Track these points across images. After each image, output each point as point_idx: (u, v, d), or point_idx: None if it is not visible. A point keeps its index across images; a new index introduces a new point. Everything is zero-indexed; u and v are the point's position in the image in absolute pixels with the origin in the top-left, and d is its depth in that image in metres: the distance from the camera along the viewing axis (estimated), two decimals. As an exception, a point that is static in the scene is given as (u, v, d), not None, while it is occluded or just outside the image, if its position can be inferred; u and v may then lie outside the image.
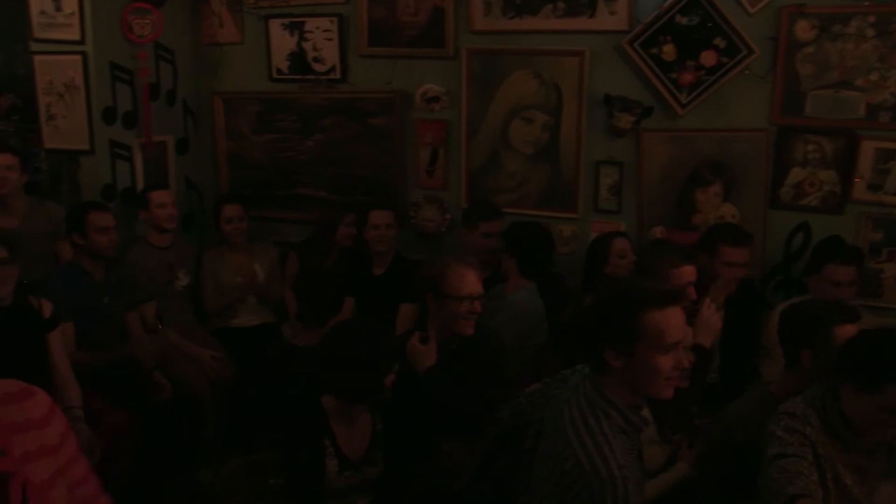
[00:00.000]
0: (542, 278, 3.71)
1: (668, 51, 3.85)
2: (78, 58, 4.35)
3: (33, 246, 3.91)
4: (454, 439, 2.86)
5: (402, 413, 2.69)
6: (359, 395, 2.57)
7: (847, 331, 2.40)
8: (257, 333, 4.47)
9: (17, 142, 5.33)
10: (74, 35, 4.32)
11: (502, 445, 2.52)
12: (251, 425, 4.06)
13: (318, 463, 2.54)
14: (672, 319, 1.96)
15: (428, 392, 2.81)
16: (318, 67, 4.67)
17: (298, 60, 4.72)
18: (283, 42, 4.72)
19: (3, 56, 5.81)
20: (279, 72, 4.79)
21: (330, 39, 4.59)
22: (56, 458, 1.41)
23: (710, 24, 3.77)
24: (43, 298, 3.41)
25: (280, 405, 3.65)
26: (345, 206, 4.59)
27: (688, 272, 3.14)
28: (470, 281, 2.91)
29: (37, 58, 4.50)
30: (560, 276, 4.04)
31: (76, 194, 4.54)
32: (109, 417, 3.45)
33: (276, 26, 4.72)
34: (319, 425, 2.58)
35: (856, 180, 3.77)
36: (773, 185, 3.92)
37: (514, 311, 3.50)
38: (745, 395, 2.77)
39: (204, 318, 4.51)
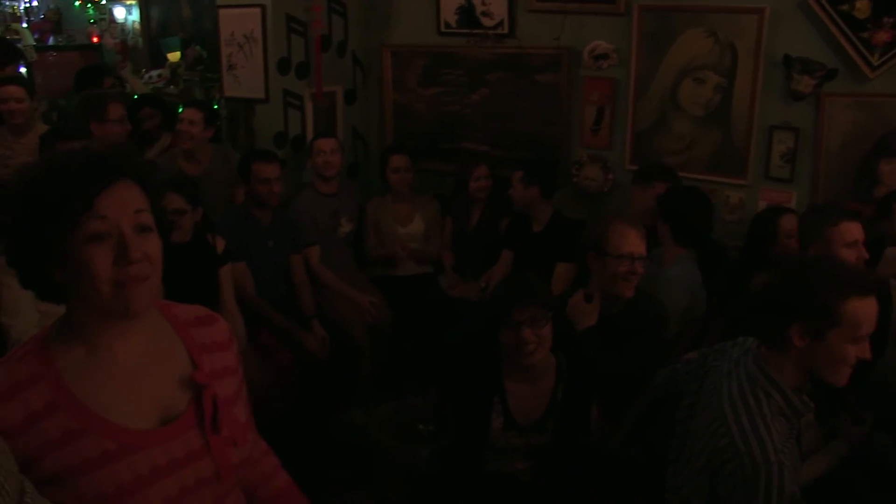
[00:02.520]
0: (698, 246, 3.58)
1: (862, 7, 3.56)
2: (257, 10, 4.53)
3: (214, 191, 4.13)
4: (606, 403, 2.84)
5: (577, 375, 2.62)
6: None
7: None
8: (415, 283, 4.58)
9: (200, 90, 5.66)
10: (255, -12, 4.51)
11: (656, 411, 2.49)
12: (405, 371, 4.19)
13: (483, 416, 2.52)
14: (871, 310, 1.88)
15: (584, 352, 2.80)
16: (486, 21, 4.65)
17: (467, 14, 4.71)
18: (452, -5, 4.73)
19: (193, 11, 6.16)
20: (447, 25, 4.81)
21: (499, -7, 4.56)
22: (237, 378, 1.52)
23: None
24: (218, 236, 3.64)
25: (433, 354, 3.74)
26: (506, 161, 4.58)
27: (848, 229, 2.94)
28: (632, 240, 2.86)
29: (221, 11, 4.73)
30: (721, 245, 3.90)
31: (251, 140, 4.78)
32: (277, 354, 3.65)
33: (445, -21, 4.73)
34: (490, 379, 2.56)
35: None
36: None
37: (678, 285, 3.38)
38: None
39: (364, 264, 4.66)
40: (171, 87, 5.99)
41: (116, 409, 1.30)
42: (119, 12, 6.87)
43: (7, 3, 6.78)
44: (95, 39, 6.96)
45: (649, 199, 3.81)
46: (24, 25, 6.88)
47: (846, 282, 1.88)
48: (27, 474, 1.22)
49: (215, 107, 5.02)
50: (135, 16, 6.77)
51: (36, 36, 6.87)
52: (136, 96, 5.42)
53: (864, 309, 1.86)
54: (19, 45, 5.99)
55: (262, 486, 1.65)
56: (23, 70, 5.60)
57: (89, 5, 7.02)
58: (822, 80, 3.74)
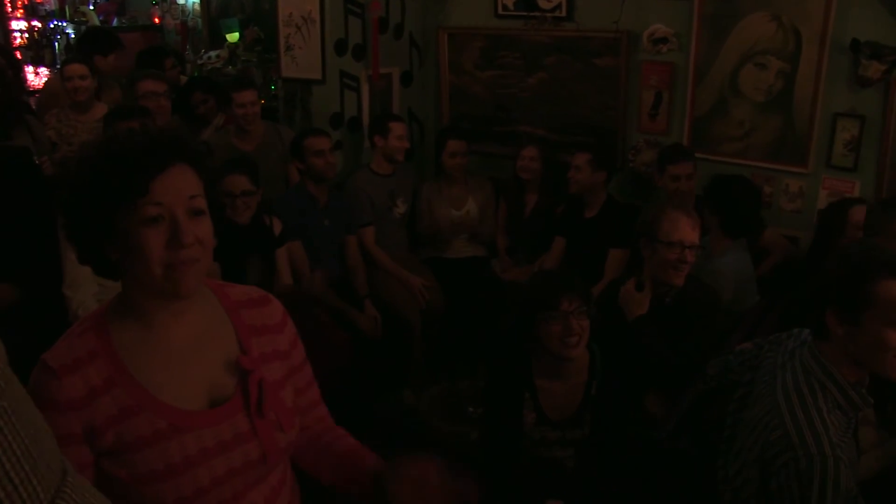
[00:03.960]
0: (747, 236, 3.51)
1: (936, -11, 3.46)
2: (316, -9, 4.55)
3: (267, 167, 4.18)
4: (658, 392, 2.82)
5: (612, 369, 2.60)
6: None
7: None
8: (468, 266, 4.60)
9: (259, 71, 5.72)
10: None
11: (707, 402, 2.46)
12: (456, 354, 4.21)
13: (517, 411, 2.53)
14: None
15: (635, 341, 2.78)
16: (543, 4, 4.61)
17: (525, -3, 4.68)
18: (510, -22, 4.70)
19: (254, -7, 6.24)
20: (505, 8, 4.78)
21: (557, -24, 4.52)
22: (286, 362, 1.53)
23: None
24: (274, 217, 3.69)
25: (486, 337, 3.75)
26: (563, 145, 4.55)
27: None
28: (683, 228, 2.83)
29: (280, -8, 4.76)
30: (788, 236, 3.84)
31: (307, 121, 4.82)
32: (332, 333, 3.69)
33: (504, -38, 4.69)
34: (520, 375, 2.55)
35: None
36: None
37: (724, 276, 3.32)
38: None
39: (418, 246, 4.68)
40: (230, 67, 6.07)
41: (168, 389, 1.34)
42: (180, -6, 6.98)
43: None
44: (157, 21, 7.08)
45: (666, 183, 3.81)
46: (91, 7, 7.05)
47: (879, 263, 1.84)
48: (91, 445, 1.27)
49: (272, 88, 5.06)
50: (196, -3, 6.88)
51: (101, 18, 7.03)
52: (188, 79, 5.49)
53: None
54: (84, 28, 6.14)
55: (327, 433, 1.67)
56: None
57: (152, -13, 7.16)
58: (893, 65, 3.62)
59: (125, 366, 1.32)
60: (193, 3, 6.85)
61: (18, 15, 6.91)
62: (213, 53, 6.30)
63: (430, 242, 4.66)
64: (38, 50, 6.87)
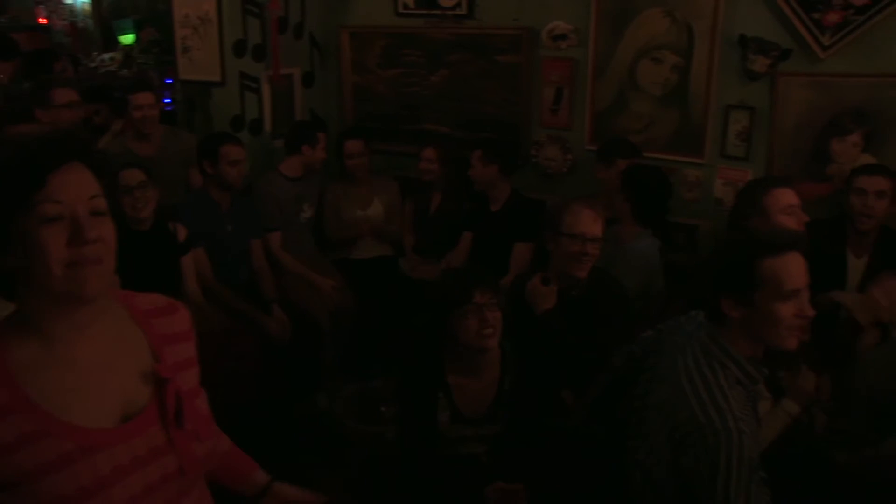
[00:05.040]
0: (657, 224, 3.62)
1: (813, -12, 3.63)
2: (212, -9, 4.46)
3: (167, 172, 4.07)
4: (569, 386, 2.85)
5: (527, 365, 2.62)
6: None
7: None
8: (376, 265, 4.58)
9: (155, 73, 5.57)
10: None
11: (616, 389, 2.51)
12: (367, 354, 4.19)
13: (430, 411, 2.52)
14: (791, 266, 1.92)
15: (544, 335, 2.80)
16: (444, 2, 4.63)
17: (425, -5, 4.69)
18: (409, -24, 4.70)
19: (148, -8, 6.05)
20: (405, 6, 4.78)
21: (457, -27, 4.54)
22: (197, 369, 1.49)
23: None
24: (178, 223, 3.60)
25: (395, 336, 3.74)
26: (468, 142, 4.56)
27: (782, 195, 2.99)
28: (585, 220, 2.86)
29: (174, -8, 4.65)
30: (687, 225, 3.94)
31: (208, 124, 4.71)
32: (238, 340, 3.62)
33: (403, -41, 4.70)
34: (432, 376, 2.54)
35: None
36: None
37: (636, 261, 3.41)
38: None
39: (326, 248, 4.64)
40: (125, 70, 5.88)
41: (75, 409, 1.26)
42: (67, -8, 6.72)
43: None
44: (43, 21, 6.79)
45: (613, 177, 3.82)
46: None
47: (760, 244, 1.94)
48: None
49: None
50: (85, -4, 6.64)
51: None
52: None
53: (781, 266, 1.90)
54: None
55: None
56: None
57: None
58: (777, 60, 3.79)
59: (23, 389, 1.23)
60: (83, 2, 6.60)
61: None
62: (107, 56, 6.10)
63: (337, 243, 4.62)
64: None
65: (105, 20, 6.43)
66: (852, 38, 3.61)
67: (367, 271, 4.51)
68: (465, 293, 2.44)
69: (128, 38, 6.06)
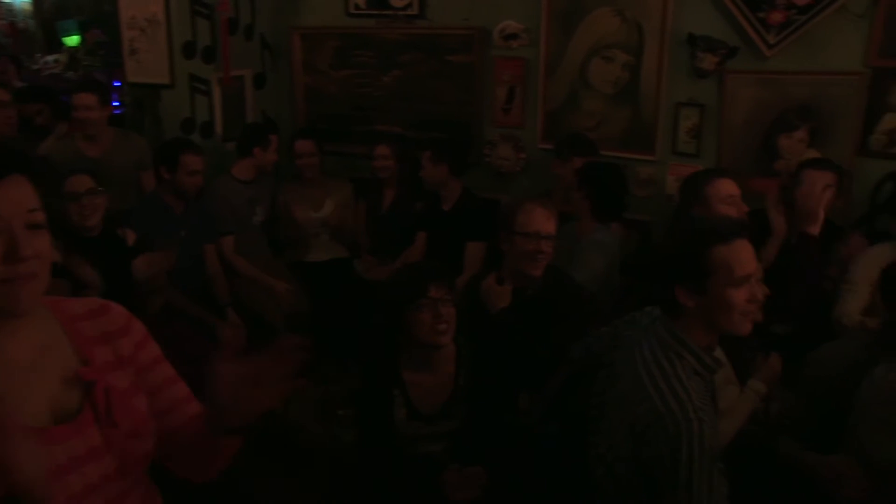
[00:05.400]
0: (614, 220, 3.65)
1: (758, -13, 3.70)
2: (159, -8, 4.38)
3: (117, 176, 4.01)
4: (525, 385, 2.85)
5: (482, 363, 2.61)
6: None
7: None
8: (330, 267, 4.55)
9: (102, 75, 5.47)
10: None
11: (573, 385, 2.52)
12: (323, 357, 4.16)
13: (386, 409, 2.51)
14: (741, 252, 1.96)
15: (498, 335, 2.81)
16: (395, 3, 4.62)
17: (376, -5, 4.67)
18: (360, -24, 4.68)
19: (93, -7, 5.93)
20: (357, 7, 4.77)
21: (408, -26, 4.54)
22: (133, 366, 1.47)
23: (804, -40, 3.60)
24: (128, 228, 3.54)
25: (352, 338, 3.72)
26: (420, 143, 4.56)
27: (722, 185, 3.09)
28: (539, 219, 2.86)
29: (120, -8, 4.56)
30: (641, 221, 3.99)
31: (157, 127, 4.64)
32: (190, 344, 3.57)
33: (353, -40, 4.68)
34: (388, 373, 2.53)
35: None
36: (863, 132, 3.75)
37: (595, 250, 3.43)
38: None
39: (280, 250, 4.60)
40: (71, 73, 5.77)
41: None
42: (6, -9, 6.54)
43: None
44: (-22, 21, 6.62)
45: (569, 173, 3.84)
46: None
47: (708, 232, 1.98)
48: None
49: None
50: (25, -5, 6.48)
51: None
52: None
53: (731, 253, 1.94)
54: None
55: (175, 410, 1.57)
56: None
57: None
58: (725, 58, 3.86)
59: None
60: (22, 1, 6.44)
61: None
62: (50, 58, 5.97)
63: (291, 246, 4.59)
64: None
65: (47, 21, 6.28)
66: (795, 36, 3.70)
67: (322, 274, 4.48)
68: (421, 287, 2.44)
69: (72, 40, 5.93)
